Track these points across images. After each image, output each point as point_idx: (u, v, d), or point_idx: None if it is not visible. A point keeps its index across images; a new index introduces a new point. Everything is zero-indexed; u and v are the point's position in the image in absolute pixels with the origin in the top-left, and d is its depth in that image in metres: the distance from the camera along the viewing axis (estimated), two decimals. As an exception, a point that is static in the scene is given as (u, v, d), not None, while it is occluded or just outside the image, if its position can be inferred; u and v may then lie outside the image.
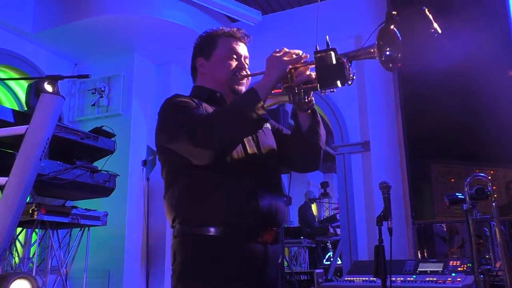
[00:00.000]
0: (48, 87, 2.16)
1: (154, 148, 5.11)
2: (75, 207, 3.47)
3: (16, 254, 3.48)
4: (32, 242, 3.58)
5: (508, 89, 3.77)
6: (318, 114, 1.65)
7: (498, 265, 2.63)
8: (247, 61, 1.72)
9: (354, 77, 1.45)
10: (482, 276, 2.48)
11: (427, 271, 3.26)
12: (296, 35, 5.06)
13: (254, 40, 1.81)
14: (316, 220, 7.95)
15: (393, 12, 1.45)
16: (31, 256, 3.46)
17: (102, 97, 5.16)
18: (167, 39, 5.00)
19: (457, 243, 4.36)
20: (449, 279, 3.05)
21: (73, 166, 3.26)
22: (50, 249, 3.56)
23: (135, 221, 4.91)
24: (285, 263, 5.08)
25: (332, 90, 1.47)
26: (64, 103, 2.40)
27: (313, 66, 1.47)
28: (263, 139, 1.64)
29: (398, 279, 3.23)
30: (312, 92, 1.55)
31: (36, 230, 3.44)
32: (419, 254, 4.11)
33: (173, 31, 4.84)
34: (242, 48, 1.70)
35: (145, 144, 5.11)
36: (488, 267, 2.56)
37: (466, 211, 2.51)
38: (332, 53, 1.42)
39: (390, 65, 1.45)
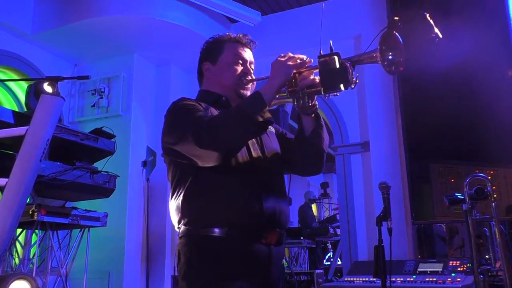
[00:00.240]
0: (48, 88, 2.16)
1: (154, 149, 5.09)
2: (75, 208, 3.47)
3: (16, 255, 3.48)
4: (32, 243, 3.58)
5: (508, 89, 3.77)
6: (321, 118, 1.69)
7: (498, 265, 2.63)
8: (252, 66, 1.77)
9: (357, 81, 1.48)
10: (481, 276, 2.48)
11: (427, 271, 3.26)
12: (295, 35, 5.07)
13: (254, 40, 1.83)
14: (316, 220, 7.94)
15: (395, 18, 1.49)
16: (31, 257, 3.46)
17: (102, 98, 5.16)
18: (167, 40, 5.00)
19: (457, 243, 4.36)
20: (449, 279, 3.06)
21: (73, 167, 3.26)
22: (50, 250, 3.56)
23: (135, 221, 4.91)
24: (285, 264, 5.08)
25: (335, 94, 1.50)
26: (64, 104, 2.41)
27: (317, 70, 1.51)
28: (267, 142, 1.68)
29: (398, 279, 3.24)
30: (316, 96, 1.59)
31: (36, 231, 3.44)
32: (418, 254, 4.11)
33: (173, 32, 4.84)
34: (247, 54, 1.75)
35: (145, 145, 5.11)
36: (488, 267, 2.56)
37: (466, 211, 2.51)
38: (336, 58, 1.45)
39: (393, 68, 1.48)
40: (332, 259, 7.01)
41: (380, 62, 1.45)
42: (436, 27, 3.72)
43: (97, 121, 5.03)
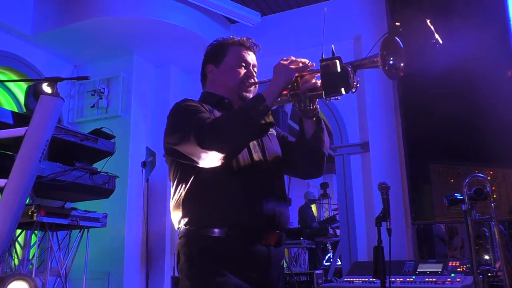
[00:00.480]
0: (47, 89, 2.16)
1: (154, 149, 5.09)
2: (75, 209, 3.47)
3: (16, 256, 3.48)
4: (31, 244, 3.58)
5: (508, 89, 3.77)
6: (322, 122, 1.70)
7: (498, 265, 2.63)
8: (255, 69, 1.79)
9: (358, 85, 1.50)
10: (481, 276, 2.48)
11: (426, 271, 3.26)
12: (295, 36, 5.07)
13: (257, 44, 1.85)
14: (316, 221, 7.94)
15: (397, 23, 1.51)
16: (30, 257, 3.46)
17: (101, 98, 5.16)
18: (166, 40, 5.00)
19: (457, 243, 4.36)
20: (449, 279, 3.06)
21: (73, 167, 3.26)
22: (50, 251, 3.56)
23: (134, 222, 4.91)
24: (285, 264, 5.08)
25: (336, 97, 1.52)
26: (64, 104, 2.41)
27: (319, 74, 1.53)
28: (268, 144, 1.69)
29: (398, 279, 3.24)
30: (317, 99, 1.62)
31: (36, 231, 3.44)
32: (418, 254, 4.11)
33: (172, 33, 4.84)
34: (251, 57, 1.77)
35: (144, 145, 5.11)
36: (487, 267, 2.56)
37: (465, 212, 2.51)
38: (337, 61, 1.47)
39: (393, 72, 1.50)
40: (332, 260, 7.01)
41: (381, 67, 1.47)
42: (436, 29, 3.72)
43: (96, 121, 5.03)
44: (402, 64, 1.50)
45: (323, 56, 1.51)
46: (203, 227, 1.52)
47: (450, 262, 3.28)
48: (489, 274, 2.52)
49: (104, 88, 5.18)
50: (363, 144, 4.63)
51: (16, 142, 2.23)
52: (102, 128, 3.64)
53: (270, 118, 1.49)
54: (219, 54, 1.76)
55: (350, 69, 1.47)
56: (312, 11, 5.13)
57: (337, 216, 6.79)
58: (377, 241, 2.36)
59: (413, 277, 3.24)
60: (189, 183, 1.57)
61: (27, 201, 2.93)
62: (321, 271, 4.58)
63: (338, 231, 6.24)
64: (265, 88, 1.55)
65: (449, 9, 4.19)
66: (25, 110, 3.71)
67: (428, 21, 3.65)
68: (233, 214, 1.52)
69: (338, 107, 4.83)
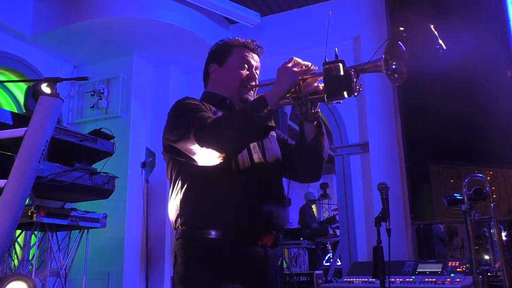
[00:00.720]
0: (46, 89, 2.16)
1: (153, 150, 5.07)
2: (74, 209, 3.47)
3: (15, 257, 3.48)
4: (31, 244, 3.57)
5: (507, 89, 3.77)
6: (323, 126, 1.70)
7: (497, 265, 2.63)
8: (258, 72, 1.78)
9: (361, 89, 1.50)
10: (480, 276, 2.48)
11: (426, 271, 3.26)
12: (294, 36, 5.07)
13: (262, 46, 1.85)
14: (316, 221, 7.94)
15: (401, 28, 1.52)
16: (30, 258, 3.46)
17: (101, 99, 5.17)
18: (166, 41, 5.00)
19: (456, 243, 4.36)
20: (448, 279, 3.06)
21: (72, 168, 3.26)
22: (50, 251, 3.56)
23: (134, 223, 4.91)
24: (285, 265, 5.08)
25: (338, 101, 1.51)
26: (63, 105, 2.41)
27: (321, 78, 1.52)
28: (268, 146, 1.69)
29: (397, 279, 3.24)
30: (318, 103, 1.61)
31: (35, 232, 3.44)
32: (417, 255, 4.11)
33: (172, 33, 4.84)
34: (254, 59, 1.77)
35: (144, 146, 5.11)
36: (487, 267, 2.56)
37: (465, 212, 2.51)
38: (341, 65, 1.46)
39: (396, 76, 1.50)
40: (331, 260, 7.01)
41: (384, 71, 1.46)
42: (436, 31, 3.73)
43: (96, 122, 5.03)
44: (404, 69, 1.50)
45: (326, 59, 1.50)
46: (200, 228, 1.51)
47: (450, 262, 3.28)
48: (488, 274, 2.52)
49: (103, 89, 5.18)
50: (363, 144, 4.64)
51: (15, 143, 2.23)
52: (101, 128, 3.64)
53: (272, 122, 1.48)
54: (223, 54, 1.76)
55: (353, 73, 1.47)
56: (311, 11, 5.13)
57: (337, 216, 6.80)
58: (376, 241, 2.36)
59: (413, 277, 3.24)
60: (186, 182, 1.56)
61: (27, 202, 2.93)
62: (321, 272, 4.59)
63: (338, 231, 6.25)
64: (268, 90, 1.54)
65: (448, 9, 4.19)
66: (24, 111, 3.71)
67: (432, 26, 3.65)
68: (230, 215, 1.51)
69: (338, 108, 4.83)
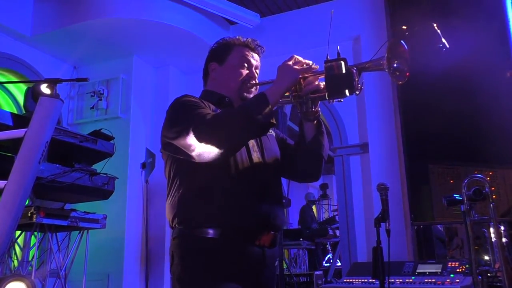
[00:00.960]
0: (46, 90, 2.16)
1: (153, 151, 5.06)
2: (74, 210, 3.47)
3: (15, 257, 3.48)
4: (31, 245, 3.57)
5: (507, 90, 3.77)
6: (323, 125, 1.70)
7: (497, 266, 2.63)
8: (258, 71, 1.78)
9: (362, 87, 1.49)
10: (480, 277, 2.48)
11: (426, 272, 3.26)
12: (294, 37, 5.08)
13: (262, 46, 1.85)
14: (316, 221, 7.94)
15: (403, 27, 1.52)
16: (30, 259, 3.46)
17: (101, 99, 5.17)
18: (166, 42, 5.01)
19: (456, 244, 4.36)
20: (448, 280, 3.06)
21: (72, 169, 3.26)
22: (49, 252, 3.56)
23: (134, 223, 4.91)
24: (285, 265, 5.08)
25: (339, 100, 1.50)
26: (63, 106, 2.41)
27: (322, 76, 1.51)
28: (267, 145, 1.68)
29: (397, 280, 3.24)
30: (319, 102, 1.61)
31: (35, 233, 3.43)
32: (417, 255, 4.11)
33: (172, 34, 4.84)
34: (254, 58, 1.77)
35: (144, 147, 5.11)
36: (487, 268, 2.56)
37: (464, 212, 2.51)
38: (342, 63, 1.45)
39: (398, 74, 1.49)
40: (331, 261, 7.01)
41: (386, 70, 1.45)
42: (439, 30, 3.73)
43: (96, 123, 5.03)
44: (406, 68, 1.49)
45: (328, 57, 1.49)
46: (197, 227, 1.50)
47: (450, 263, 3.28)
48: (488, 275, 2.52)
49: (103, 90, 5.18)
50: (363, 145, 4.64)
51: (15, 144, 2.24)
52: (101, 129, 3.64)
53: (273, 121, 1.47)
54: (223, 53, 1.75)
55: (355, 71, 1.46)
56: (311, 12, 5.13)
57: (337, 217, 6.80)
58: (376, 242, 2.36)
59: (413, 277, 3.24)
60: (184, 181, 1.56)
61: (27, 203, 2.93)
62: (320, 272, 4.59)
63: (337, 232, 6.25)
64: (268, 88, 1.53)
65: (448, 9, 4.20)
66: (24, 112, 3.71)
67: (435, 25, 3.65)
68: (227, 215, 1.50)
69: (338, 108, 4.83)
